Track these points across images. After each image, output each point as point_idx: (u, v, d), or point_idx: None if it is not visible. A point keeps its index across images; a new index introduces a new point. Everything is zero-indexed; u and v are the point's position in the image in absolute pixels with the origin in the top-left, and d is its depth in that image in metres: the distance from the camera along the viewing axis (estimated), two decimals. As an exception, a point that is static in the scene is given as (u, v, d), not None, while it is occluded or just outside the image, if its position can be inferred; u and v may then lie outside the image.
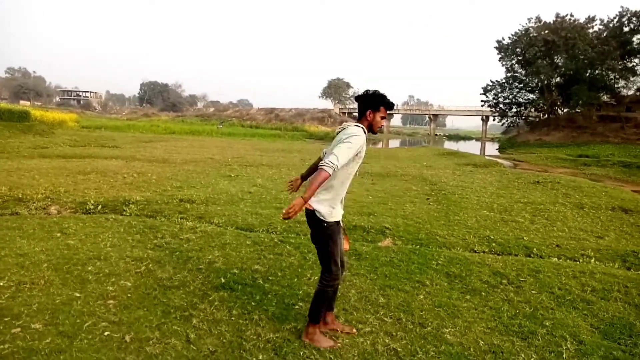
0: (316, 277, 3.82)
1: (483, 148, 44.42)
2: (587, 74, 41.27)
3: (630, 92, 43.35)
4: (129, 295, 3.35)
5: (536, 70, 42.81)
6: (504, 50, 47.06)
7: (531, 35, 44.08)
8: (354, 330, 2.99)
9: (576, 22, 42.79)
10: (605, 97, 42.79)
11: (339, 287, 3.00)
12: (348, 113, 71.09)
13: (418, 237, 5.55)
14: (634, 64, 41.37)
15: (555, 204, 8.35)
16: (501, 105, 49.94)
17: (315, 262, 4.05)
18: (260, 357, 2.62)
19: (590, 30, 42.73)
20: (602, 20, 42.66)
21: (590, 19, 42.95)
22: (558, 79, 44.91)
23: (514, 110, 49.97)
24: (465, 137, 72.05)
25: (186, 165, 12.25)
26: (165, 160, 13.34)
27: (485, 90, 50.22)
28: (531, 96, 47.87)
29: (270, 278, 3.86)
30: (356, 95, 2.83)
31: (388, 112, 2.84)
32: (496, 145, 47.09)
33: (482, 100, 51.39)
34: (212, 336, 2.82)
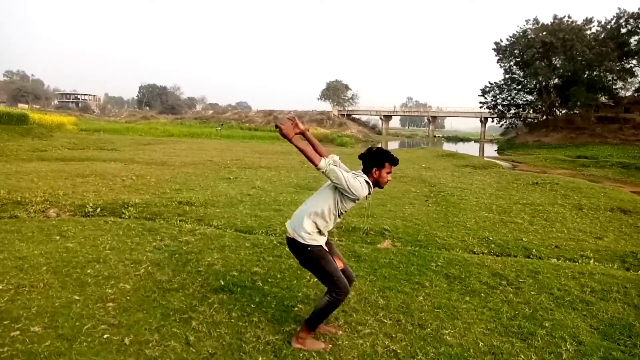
0: (315, 280, 3.81)
1: (482, 149, 44.51)
2: (585, 76, 41.39)
3: (629, 93, 43.54)
4: (128, 297, 3.35)
5: (534, 72, 42.93)
6: (502, 52, 47.20)
7: (529, 37, 44.23)
8: (340, 331, 2.99)
9: (574, 24, 42.93)
10: (603, 99, 42.91)
11: None
12: (347, 115, 71.22)
13: (417, 239, 5.55)
14: (632, 65, 41.53)
15: (554, 205, 8.37)
16: (500, 107, 50.04)
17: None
18: (260, 359, 2.62)
19: (588, 32, 42.89)
20: (599, 22, 42.91)
21: (588, 21, 43.11)
22: (556, 81, 45.03)
23: (512, 111, 50.09)
24: (464, 139, 72.13)
25: (185, 168, 12.25)
26: (164, 163, 13.34)
27: (484, 92, 50.32)
28: (529, 97, 48.00)
29: (269, 280, 3.86)
30: (360, 154, 2.84)
31: (387, 116, 2.85)
32: (495, 147, 47.20)
33: (480, 102, 51.50)
34: (211, 338, 2.82)
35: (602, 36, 41.47)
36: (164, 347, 2.69)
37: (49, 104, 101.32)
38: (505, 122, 51.74)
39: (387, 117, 73.43)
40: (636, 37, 39.70)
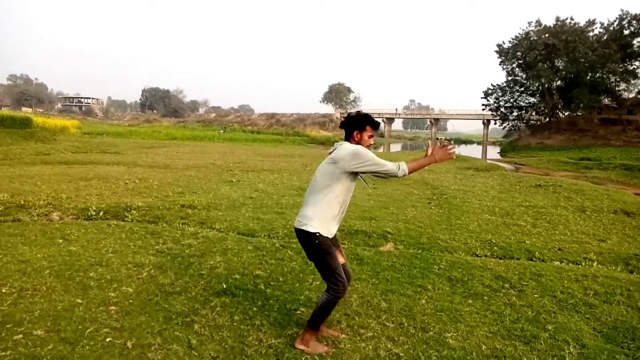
0: (318, 282, 3.82)
1: (484, 152, 44.45)
2: (588, 77, 41.34)
3: (632, 95, 43.43)
4: (130, 301, 3.35)
5: (537, 74, 42.92)
6: (505, 54, 47.22)
7: (532, 38, 44.23)
8: (342, 335, 2.99)
9: (576, 26, 42.94)
10: (606, 100, 42.85)
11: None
12: (349, 117, 71.09)
13: (420, 242, 5.54)
14: (635, 66, 41.49)
15: (557, 207, 8.34)
16: (502, 109, 50.03)
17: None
18: (262, 362, 2.62)
19: (591, 34, 42.88)
20: (602, 24, 42.86)
21: (591, 23, 43.10)
22: (559, 82, 45.00)
23: (515, 113, 50.07)
24: (467, 141, 72.09)
25: (188, 171, 12.28)
26: (166, 166, 13.38)
27: (486, 94, 50.33)
28: (532, 100, 47.97)
29: (272, 283, 3.86)
30: (341, 121, 2.84)
31: (389, 118, 2.85)
32: (497, 149, 47.13)
33: (483, 104, 51.52)
34: (213, 342, 2.82)
35: (605, 38, 41.44)
36: (166, 350, 2.69)
37: (53, 107, 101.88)
38: (508, 124, 51.73)
39: (390, 120, 73.45)
40: (639, 39, 39.65)
